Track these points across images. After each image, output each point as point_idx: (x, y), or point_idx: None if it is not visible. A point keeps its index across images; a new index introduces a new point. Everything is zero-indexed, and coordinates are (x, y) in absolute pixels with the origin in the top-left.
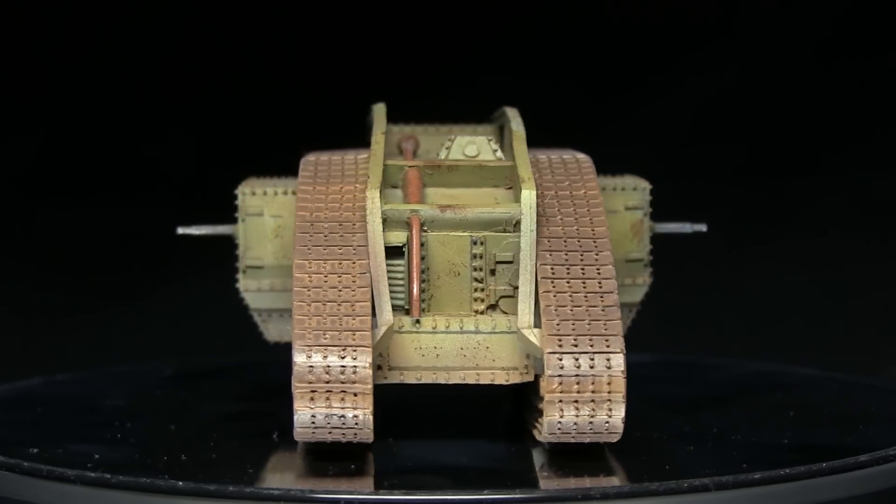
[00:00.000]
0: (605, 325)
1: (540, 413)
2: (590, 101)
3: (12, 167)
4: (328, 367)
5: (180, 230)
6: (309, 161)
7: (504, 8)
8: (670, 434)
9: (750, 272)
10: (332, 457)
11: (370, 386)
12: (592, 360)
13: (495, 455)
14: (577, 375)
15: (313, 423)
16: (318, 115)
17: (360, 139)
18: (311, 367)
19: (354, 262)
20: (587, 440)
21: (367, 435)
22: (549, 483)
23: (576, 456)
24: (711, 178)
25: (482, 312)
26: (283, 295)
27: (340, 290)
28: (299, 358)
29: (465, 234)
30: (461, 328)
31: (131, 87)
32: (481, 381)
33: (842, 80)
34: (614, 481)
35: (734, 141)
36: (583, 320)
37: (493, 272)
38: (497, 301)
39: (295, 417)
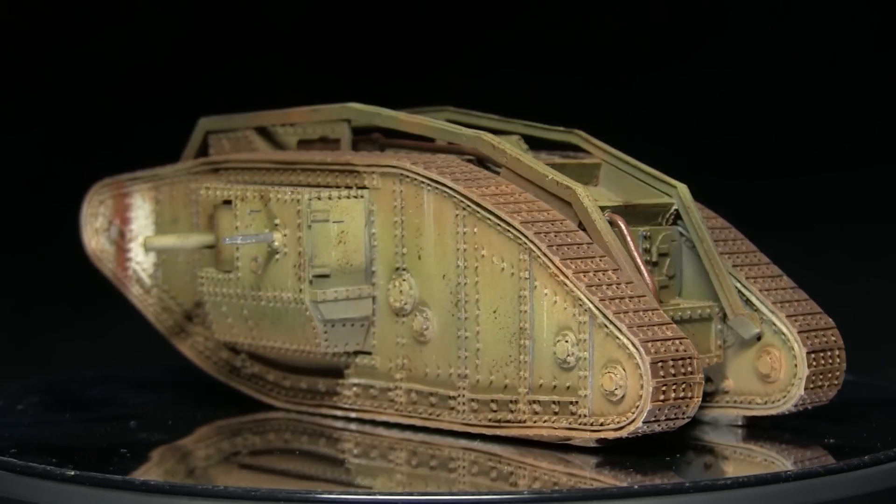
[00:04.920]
0: (807, 303)
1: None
2: (589, 98)
3: (11, 166)
4: (672, 361)
5: (227, 240)
6: (433, 162)
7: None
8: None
9: None
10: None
11: (703, 375)
12: (824, 335)
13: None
14: (823, 351)
15: (655, 417)
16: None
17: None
18: (661, 362)
19: (600, 260)
20: (808, 408)
21: (684, 423)
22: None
23: (762, 430)
24: (710, 175)
25: None
26: (357, 303)
27: (616, 288)
28: (648, 355)
29: (637, 228)
30: (680, 317)
31: (130, 87)
32: None
33: (842, 78)
34: (820, 455)
35: (732, 139)
36: (790, 301)
37: (655, 264)
38: (658, 291)
39: (644, 413)
